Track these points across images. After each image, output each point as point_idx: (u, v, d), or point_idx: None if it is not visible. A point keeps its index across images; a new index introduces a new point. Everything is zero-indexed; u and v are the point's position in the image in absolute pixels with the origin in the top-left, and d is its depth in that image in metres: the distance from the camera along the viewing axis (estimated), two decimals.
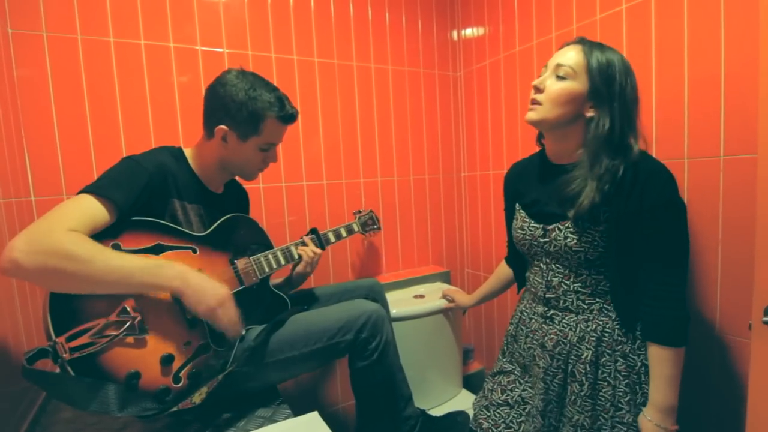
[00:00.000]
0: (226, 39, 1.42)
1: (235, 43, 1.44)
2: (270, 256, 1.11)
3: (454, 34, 1.92)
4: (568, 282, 0.93)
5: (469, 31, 1.87)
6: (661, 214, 0.83)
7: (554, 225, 0.93)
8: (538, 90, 0.91)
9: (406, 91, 1.81)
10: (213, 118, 1.02)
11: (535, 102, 0.91)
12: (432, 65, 1.87)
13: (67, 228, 0.75)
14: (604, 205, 0.86)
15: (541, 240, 0.95)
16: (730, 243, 1.04)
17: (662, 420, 0.83)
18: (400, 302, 1.58)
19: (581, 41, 0.90)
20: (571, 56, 0.88)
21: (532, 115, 0.92)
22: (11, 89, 1.12)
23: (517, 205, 1.05)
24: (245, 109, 0.99)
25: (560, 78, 0.88)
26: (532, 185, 1.03)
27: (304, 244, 1.22)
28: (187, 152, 1.06)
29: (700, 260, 1.09)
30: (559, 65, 0.88)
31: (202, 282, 0.84)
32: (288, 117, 1.04)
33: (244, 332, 1.00)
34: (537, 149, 1.08)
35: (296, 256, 1.19)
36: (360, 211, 1.51)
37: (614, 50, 0.88)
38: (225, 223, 1.05)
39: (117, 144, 1.28)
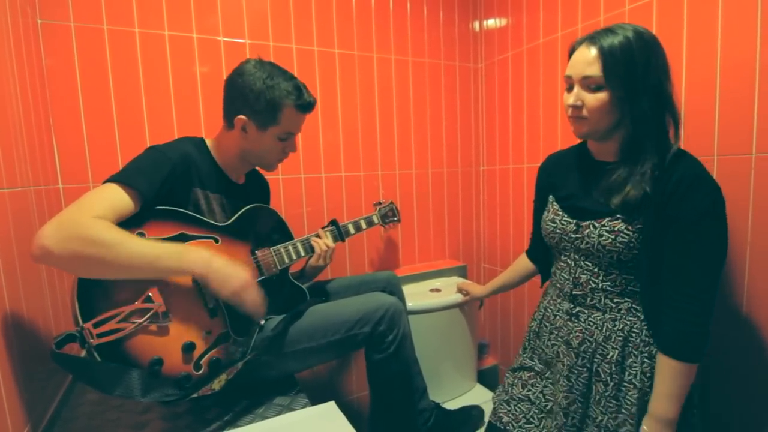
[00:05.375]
0: (248, 30, 1.43)
1: (257, 34, 1.44)
2: (290, 247, 1.12)
3: (476, 24, 1.89)
4: (596, 280, 0.91)
5: (491, 22, 1.83)
6: (698, 224, 0.79)
7: (589, 222, 0.90)
8: (578, 108, 0.86)
9: (426, 83, 1.79)
10: (232, 108, 1.02)
11: (579, 118, 0.87)
12: (453, 57, 1.85)
13: (94, 215, 0.77)
14: (645, 204, 0.83)
15: (573, 236, 0.93)
16: (759, 245, 1.01)
17: (659, 431, 0.82)
18: (416, 296, 1.59)
19: (588, 39, 0.83)
20: (591, 61, 0.81)
21: (582, 129, 0.88)
22: (40, 79, 1.14)
23: (551, 197, 1.03)
24: (263, 98, 0.99)
25: (593, 89, 0.83)
26: (569, 178, 0.99)
27: (320, 236, 1.22)
28: (209, 143, 1.07)
29: (727, 263, 1.06)
30: (586, 78, 0.82)
31: (224, 267, 0.85)
32: (306, 105, 1.04)
33: (263, 322, 1.01)
34: (559, 141, 1.05)
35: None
36: (380, 203, 1.50)
37: (624, 28, 0.81)
38: (247, 213, 1.06)
39: (141, 133, 1.30)
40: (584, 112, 0.85)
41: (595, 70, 0.81)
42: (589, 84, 0.83)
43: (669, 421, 0.81)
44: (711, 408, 1.10)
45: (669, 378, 0.81)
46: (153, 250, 0.80)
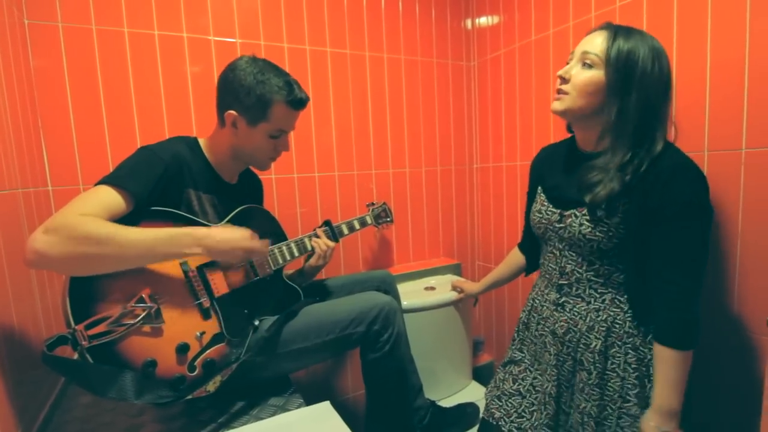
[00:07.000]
0: (238, 29, 1.42)
1: (248, 33, 1.44)
2: (284, 248, 1.12)
3: (468, 22, 1.89)
4: (580, 270, 0.92)
5: (483, 20, 1.83)
6: (682, 214, 0.80)
7: (571, 211, 0.91)
8: (564, 80, 0.88)
9: (418, 81, 1.79)
10: (223, 104, 1.02)
11: (560, 92, 0.89)
12: (445, 55, 1.85)
13: (85, 215, 0.76)
14: (623, 197, 0.84)
15: (557, 225, 0.94)
16: (750, 240, 1.02)
17: (664, 423, 0.81)
18: (411, 294, 1.59)
19: (608, 26, 0.86)
20: (597, 43, 0.85)
21: (557, 105, 0.89)
22: (28, 79, 1.13)
23: (539, 188, 1.04)
24: (253, 93, 0.98)
25: (587, 66, 0.85)
26: (556, 170, 1.01)
27: (317, 236, 1.22)
28: (202, 142, 1.07)
29: (718, 257, 1.07)
30: (585, 53, 0.85)
31: (219, 243, 0.86)
32: (297, 102, 1.03)
33: (257, 323, 1.01)
34: (551, 139, 1.07)
35: (310, 248, 1.19)
36: (373, 203, 1.50)
37: (644, 34, 0.84)
38: (239, 214, 1.06)
39: (131, 134, 1.29)
40: (567, 87, 0.87)
41: (597, 48, 0.84)
42: (586, 60, 0.85)
43: (674, 412, 0.81)
44: (700, 404, 1.11)
45: (669, 367, 0.82)
46: (147, 238, 0.79)
